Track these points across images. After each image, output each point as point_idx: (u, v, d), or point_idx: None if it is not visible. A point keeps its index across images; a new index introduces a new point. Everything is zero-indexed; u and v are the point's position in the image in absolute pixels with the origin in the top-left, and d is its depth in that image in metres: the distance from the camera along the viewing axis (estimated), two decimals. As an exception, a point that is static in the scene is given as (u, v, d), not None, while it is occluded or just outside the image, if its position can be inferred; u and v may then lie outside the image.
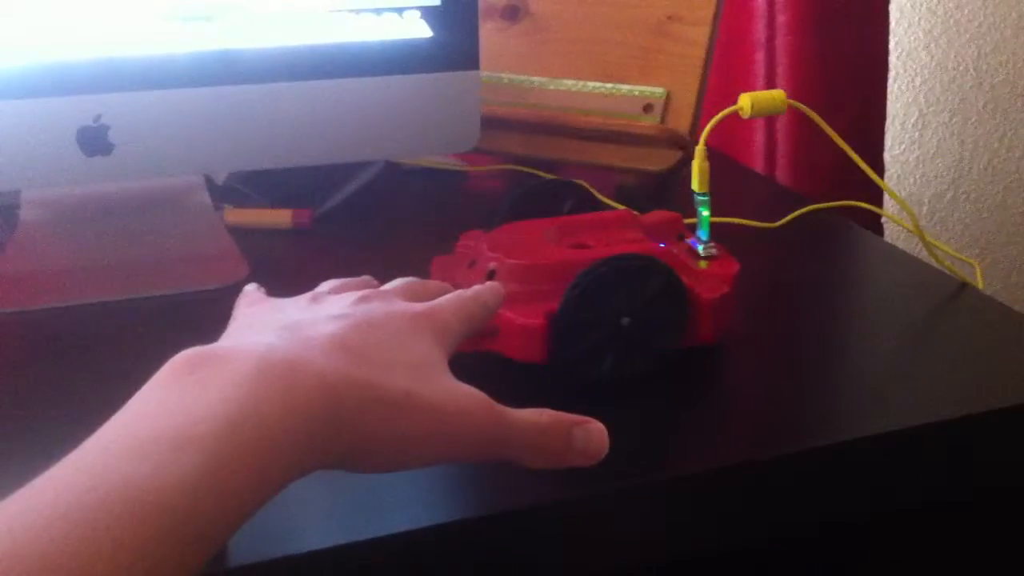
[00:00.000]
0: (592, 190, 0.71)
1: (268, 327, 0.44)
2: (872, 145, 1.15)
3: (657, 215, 0.67)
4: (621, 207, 0.79)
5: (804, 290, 0.71)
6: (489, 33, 0.76)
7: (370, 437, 0.40)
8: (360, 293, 0.48)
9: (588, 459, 0.45)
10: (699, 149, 0.63)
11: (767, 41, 1.12)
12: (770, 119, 1.12)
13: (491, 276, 0.59)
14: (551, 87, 0.87)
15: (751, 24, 1.11)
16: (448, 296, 0.50)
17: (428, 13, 0.70)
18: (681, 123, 0.83)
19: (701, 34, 0.82)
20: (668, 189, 0.85)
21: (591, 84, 0.86)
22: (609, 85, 0.86)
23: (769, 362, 0.62)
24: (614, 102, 0.85)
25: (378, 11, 0.69)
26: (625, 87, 0.85)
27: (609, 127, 0.84)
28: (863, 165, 0.68)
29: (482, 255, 0.61)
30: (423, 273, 0.59)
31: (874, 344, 0.65)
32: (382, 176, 0.88)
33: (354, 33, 0.69)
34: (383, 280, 0.53)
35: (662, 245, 0.62)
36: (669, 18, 0.84)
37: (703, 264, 0.63)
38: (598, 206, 0.69)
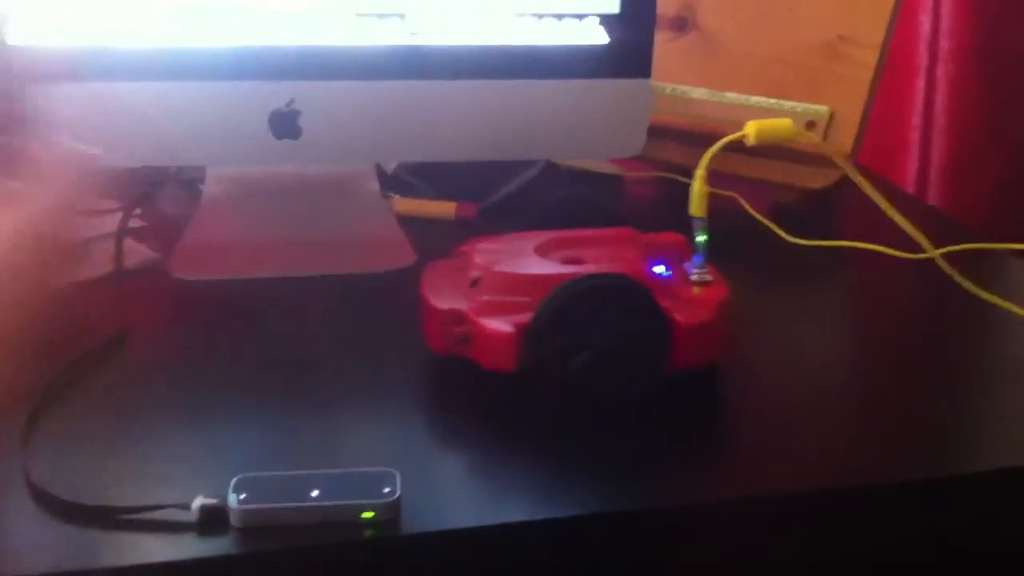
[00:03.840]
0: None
1: None
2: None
3: (664, 236, 0.65)
4: (771, 225, 0.80)
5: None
6: (656, 43, 0.78)
7: None
8: None
9: None
10: (699, 173, 0.61)
11: (928, 68, 1.11)
12: (926, 145, 1.11)
13: (475, 284, 0.59)
14: (714, 99, 0.89)
15: (914, 49, 1.10)
16: None
17: (607, 20, 0.72)
18: (844, 143, 0.84)
19: (871, 56, 0.83)
20: (827, 207, 0.85)
21: (754, 99, 0.87)
22: (772, 100, 0.86)
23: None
24: (777, 118, 0.86)
25: (559, 16, 0.72)
26: (788, 104, 0.86)
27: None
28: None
29: (470, 262, 0.61)
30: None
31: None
32: (541, 175, 0.91)
33: (535, 36, 0.72)
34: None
35: (661, 266, 0.61)
36: (840, 38, 0.84)
37: (696, 290, 0.61)
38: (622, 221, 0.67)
